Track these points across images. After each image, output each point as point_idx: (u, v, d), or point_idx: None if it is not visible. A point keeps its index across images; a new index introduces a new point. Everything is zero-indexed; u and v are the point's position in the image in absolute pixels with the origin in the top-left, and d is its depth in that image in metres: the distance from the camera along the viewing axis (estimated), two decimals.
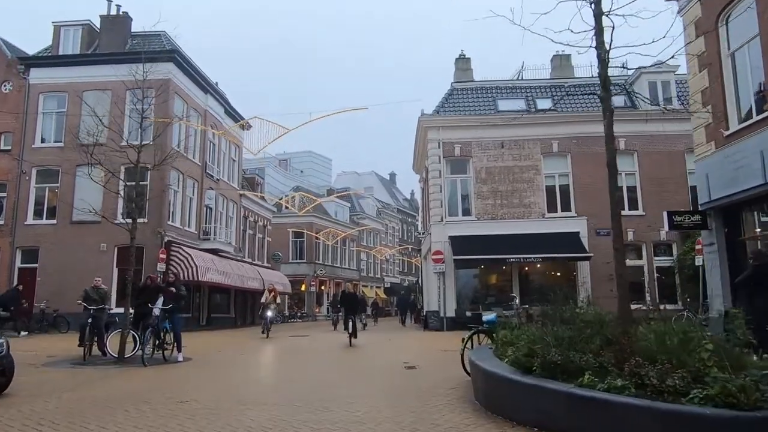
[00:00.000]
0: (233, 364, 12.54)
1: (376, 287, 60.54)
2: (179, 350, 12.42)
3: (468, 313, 22.72)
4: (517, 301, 19.72)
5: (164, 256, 23.07)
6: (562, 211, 24.01)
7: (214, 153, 31.18)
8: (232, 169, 33.90)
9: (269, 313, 22.67)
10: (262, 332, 22.24)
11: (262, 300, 24.99)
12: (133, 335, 12.48)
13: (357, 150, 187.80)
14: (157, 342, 12.16)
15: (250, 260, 36.38)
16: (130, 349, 12.33)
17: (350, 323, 17.35)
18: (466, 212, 24.50)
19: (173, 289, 12.69)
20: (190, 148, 28.06)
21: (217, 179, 31.00)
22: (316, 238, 46.34)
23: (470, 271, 24.38)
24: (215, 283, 27.20)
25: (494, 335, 8.80)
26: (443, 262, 23.43)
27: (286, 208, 45.75)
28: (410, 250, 70.64)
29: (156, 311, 12.11)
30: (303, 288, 46.97)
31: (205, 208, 29.33)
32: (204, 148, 29.40)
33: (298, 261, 47.33)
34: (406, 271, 70.21)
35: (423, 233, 32.28)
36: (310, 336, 22.91)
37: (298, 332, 25.89)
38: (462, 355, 8.81)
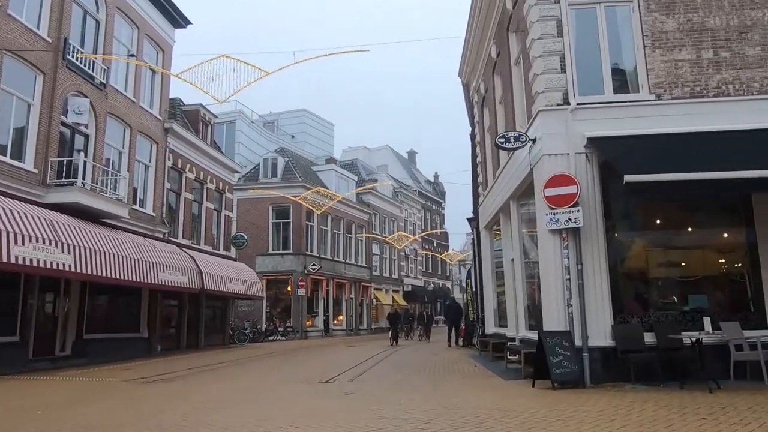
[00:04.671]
0: None
1: (394, 291, 45.92)
2: None
3: (649, 338, 8.51)
4: None
5: None
6: None
7: (96, 34, 17.02)
8: (143, 81, 19.68)
9: None
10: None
11: None
12: None
13: (370, 124, 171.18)
14: None
15: (191, 243, 22.08)
16: None
17: None
18: (623, 84, 9.90)
19: None
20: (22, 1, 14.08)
21: (102, 83, 16.78)
22: (308, 210, 31.88)
23: (645, 223, 9.93)
24: (43, 270, 12.85)
25: None
26: (574, 202, 8.96)
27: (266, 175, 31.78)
28: (435, 245, 56.05)
29: None
30: (289, 290, 32.56)
31: (59, 128, 15.11)
32: (64, 14, 15.26)
33: (281, 251, 32.96)
34: (431, 271, 55.52)
35: (482, 186, 17.74)
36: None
37: (243, 379, 11.54)
38: None
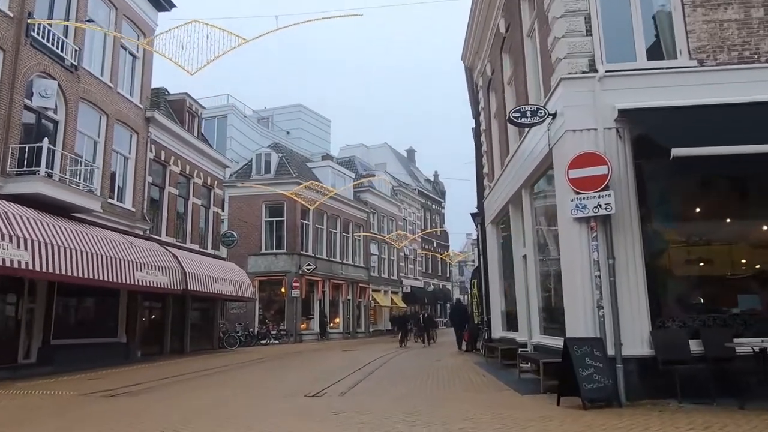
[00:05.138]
0: None
1: (393, 292, 44.49)
2: None
3: (694, 346, 7.10)
4: None
5: None
6: None
7: (66, 12, 15.59)
8: (122, 66, 18.28)
9: None
10: None
11: None
12: None
13: (370, 120, 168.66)
14: None
15: (175, 241, 20.68)
16: None
17: None
18: (657, 50, 8.50)
19: None
20: None
21: (73, 65, 15.36)
22: (303, 208, 30.49)
23: (687, 211, 8.44)
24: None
25: None
26: (604, 185, 7.56)
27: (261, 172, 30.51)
28: (435, 245, 54.65)
29: None
30: (282, 291, 31.11)
31: (22, 112, 13.68)
32: None
33: (275, 251, 31.51)
34: (431, 272, 54.06)
35: (488, 178, 16.34)
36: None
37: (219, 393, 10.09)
38: None
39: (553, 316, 10.12)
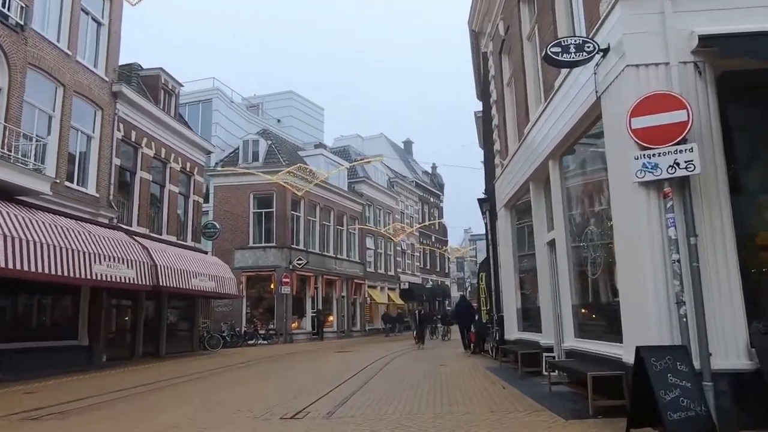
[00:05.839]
0: None
1: (390, 288, 42.45)
2: None
3: None
4: None
5: None
6: None
7: None
8: (83, 31, 16.09)
9: None
10: None
11: None
12: None
13: (363, 111, 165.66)
14: None
15: (148, 231, 18.59)
16: None
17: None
18: None
19: None
20: None
21: (19, 25, 13.21)
22: (294, 198, 28.37)
23: None
24: None
25: None
26: (683, 137, 5.52)
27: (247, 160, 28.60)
28: (433, 239, 52.66)
29: None
30: (272, 287, 29.01)
31: None
32: None
33: (263, 245, 29.40)
34: (429, 268, 52.03)
35: (500, 155, 14.30)
36: None
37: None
38: None
39: (594, 315, 8.10)
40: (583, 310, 8.47)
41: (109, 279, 14.01)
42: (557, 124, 8.69)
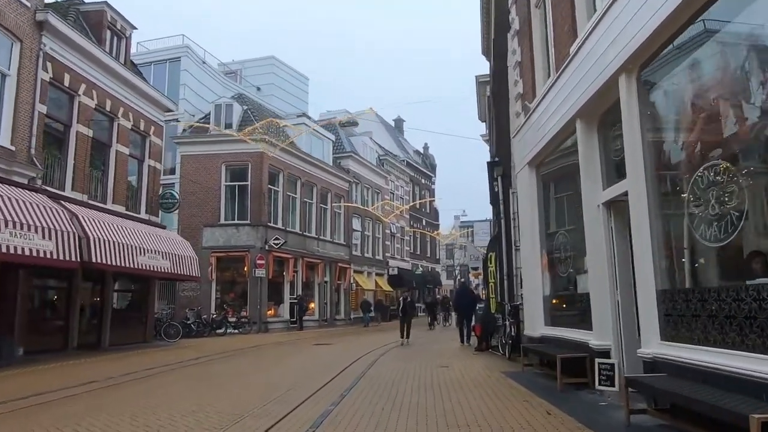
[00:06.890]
0: None
1: (377, 274, 39.45)
2: None
3: None
4: None
5: None
6: None
7: None
8: None
9: None
10: None
11: None
12: None
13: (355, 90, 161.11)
14: None
15: (85, 199, 15.34)
16: None
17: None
18: None
19: None
20: None
21: None
22: (272, 170, 25.10)
23: None
24: None
25: None
26: None
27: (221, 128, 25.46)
28: (424, 223, 49.71)
29: None
30: (245, 270, 25.83)
31: None
32: None
33: (236, 222, 26.17)
34: (419, 253, 49.06)
35: (524, 98, 11.22)
36: None
37: None
38: None
39: (702, 308, 5.08)
40: (679, 302, 5.43)
41: (14, 252, 10.80)
42: (635, 21, 5.67)
